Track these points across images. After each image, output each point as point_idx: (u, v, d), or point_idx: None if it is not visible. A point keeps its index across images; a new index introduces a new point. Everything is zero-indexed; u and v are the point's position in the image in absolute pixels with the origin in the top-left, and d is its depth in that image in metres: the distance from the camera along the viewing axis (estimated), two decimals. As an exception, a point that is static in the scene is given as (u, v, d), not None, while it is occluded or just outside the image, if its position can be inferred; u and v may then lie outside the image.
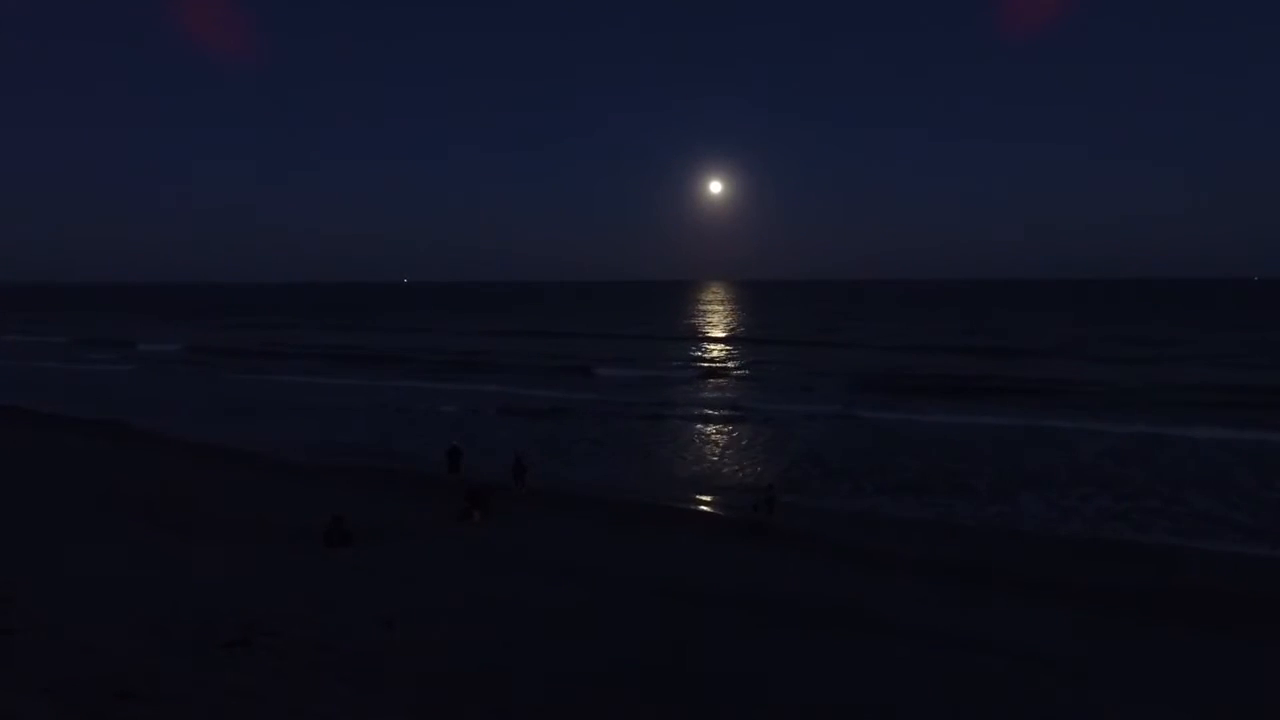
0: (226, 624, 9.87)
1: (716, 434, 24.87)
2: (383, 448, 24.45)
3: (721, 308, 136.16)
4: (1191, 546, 15.06)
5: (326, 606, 10.66)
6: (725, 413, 28.19)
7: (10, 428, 26.62)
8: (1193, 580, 13.52)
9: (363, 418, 29.45)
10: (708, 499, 18.50)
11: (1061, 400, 31.61)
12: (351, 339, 65.13)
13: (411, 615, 10.48)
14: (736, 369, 42.77)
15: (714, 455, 22.32)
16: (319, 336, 68.36)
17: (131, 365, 47.51)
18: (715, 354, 50.55)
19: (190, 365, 48.23)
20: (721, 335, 65.34)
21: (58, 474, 19.07)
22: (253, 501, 17.07)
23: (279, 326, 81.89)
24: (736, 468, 20.90)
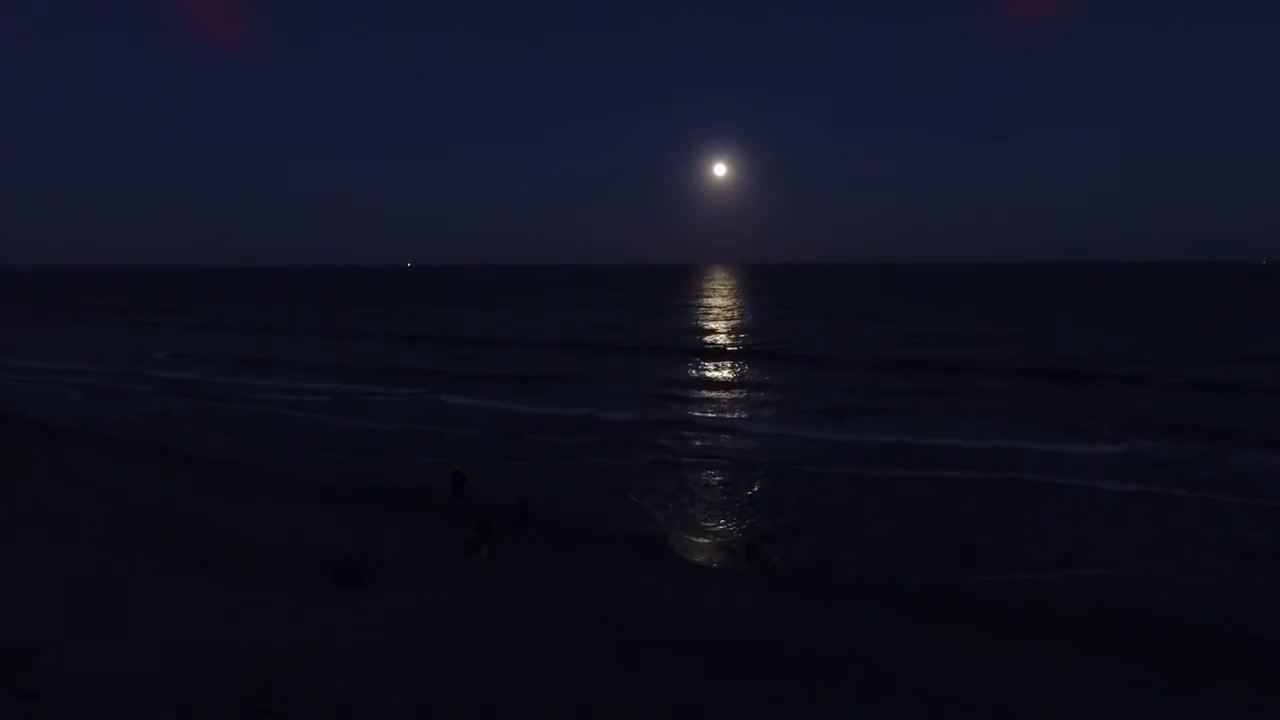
0: (244, 683, 9.95)
1: (711, 476, 23.12)
2: (377, 461, 24.52)
3: (725, 298, 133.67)
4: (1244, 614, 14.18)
5: (341, 662, 10.73)
6: (724, 461, 25.21)
7: (16, 440, 26.50)
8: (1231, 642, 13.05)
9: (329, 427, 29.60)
10: (700, 536, 18.19)
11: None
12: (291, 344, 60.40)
13: (425, 670, 10.58)
14: (736, 385, 39.62)
15: (705, 495, 21.26)
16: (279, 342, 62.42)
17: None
18: (716, 370, 45.74)
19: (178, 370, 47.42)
20: (727, 346, 57.05)
21: (71, 498, 19.14)
22: (266, 531, 17.12)
23: (264, 330, 74.75)
24: (730, 510, 20.10)
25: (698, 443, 27.24)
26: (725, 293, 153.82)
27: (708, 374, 44.07)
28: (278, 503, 19.59)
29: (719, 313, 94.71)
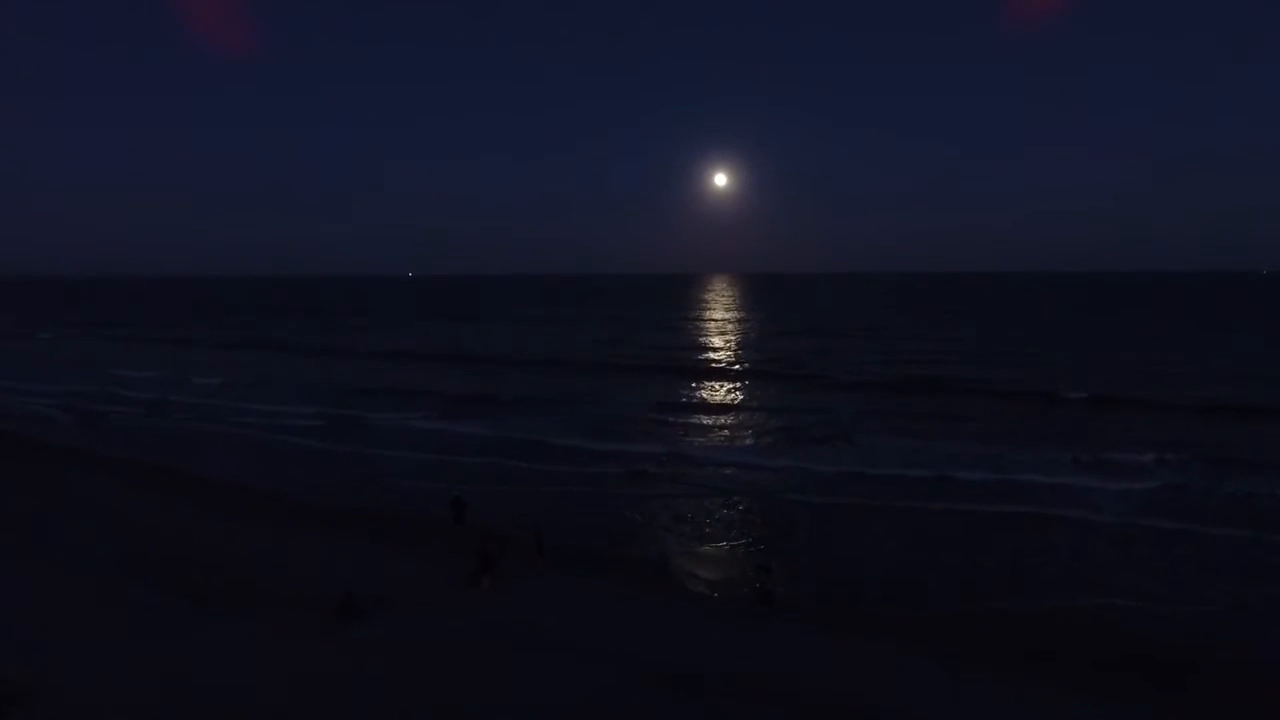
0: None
1: (710, 506, 22.65)
2: (373, 486, 24.28)
3: (723, 311, 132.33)
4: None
5: (343, 702, 10.63)
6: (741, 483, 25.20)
7: (11, 462, 26.02)
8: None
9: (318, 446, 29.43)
10: (702, 569, 17.81)
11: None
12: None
13: (427, 710, 10.45)
14: (735, 409, 38.50)
15: (706, 525, 20.99)
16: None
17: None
18: (714, 392, 44.06)
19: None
20: (726, 366, 55.70)
21: (68, 523, 18.98)
22: (265, 560, 16.94)
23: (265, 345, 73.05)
24: (732, 541, 19.68)
25: (697, 471, 26.48)
26: (724, 305, 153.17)
27: (705, 396, 43.04)
28: (276, 529, 19.34)
29: (717, 328, 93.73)
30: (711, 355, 62.81)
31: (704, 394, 43.74)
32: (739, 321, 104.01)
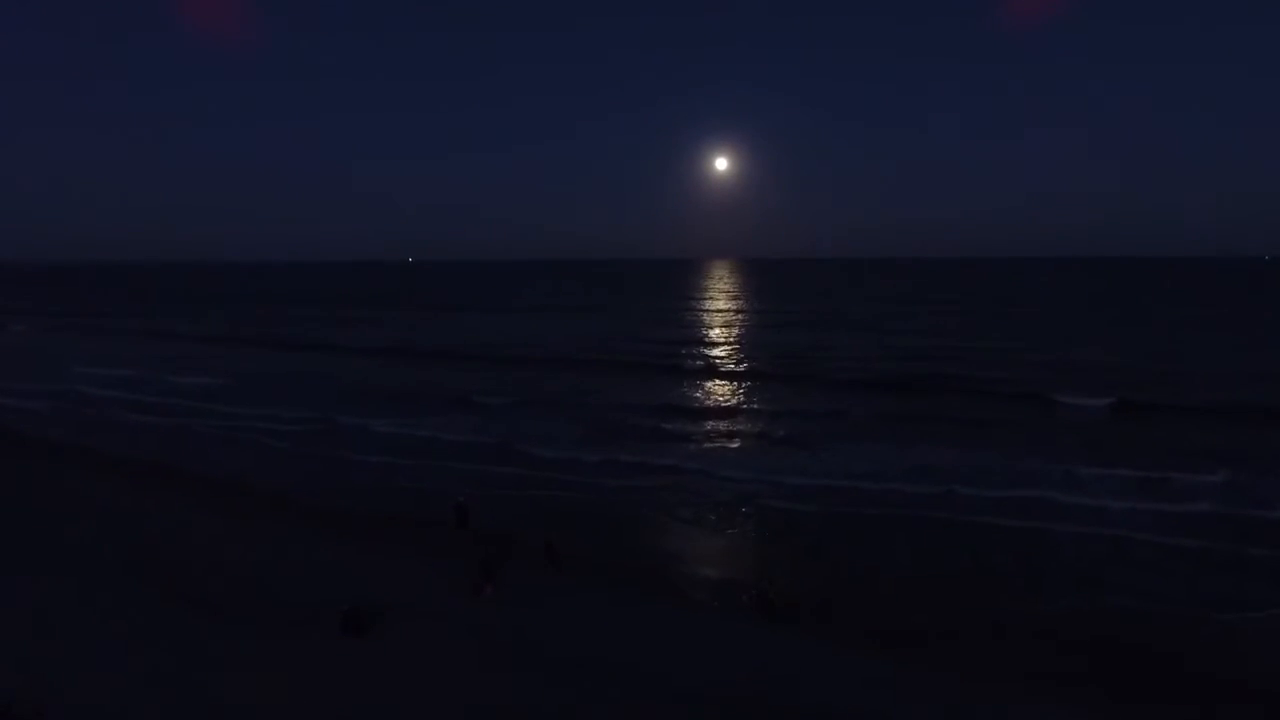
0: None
1: (714, 515, 22.53)
2: (371, 491, 24.43)
3: (722, 301, 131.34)
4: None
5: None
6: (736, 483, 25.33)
7: (20, 461, 25.93)
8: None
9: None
10: (710, 579, 17.81)
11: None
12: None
13: None
14: (735, 413, 37.68)
15: (710, 534, 20.97)
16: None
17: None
18: (711, 394, 43.12)
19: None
20: (723, 366, 54.29)
21: (70, 527, 18.91)
22: (267, 565, 16.92)
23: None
24: (733, 549, 19.85)
25: (698, 478, 25.92)
26: (724, 294, 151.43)
27: (707, 399, 42.08)
28: (276, 532, 19.40)
29: (717, 320, 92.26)
30: (712, 353, 61.48)
31: (705, 396, 42.91)
32: (740, 313, 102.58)
